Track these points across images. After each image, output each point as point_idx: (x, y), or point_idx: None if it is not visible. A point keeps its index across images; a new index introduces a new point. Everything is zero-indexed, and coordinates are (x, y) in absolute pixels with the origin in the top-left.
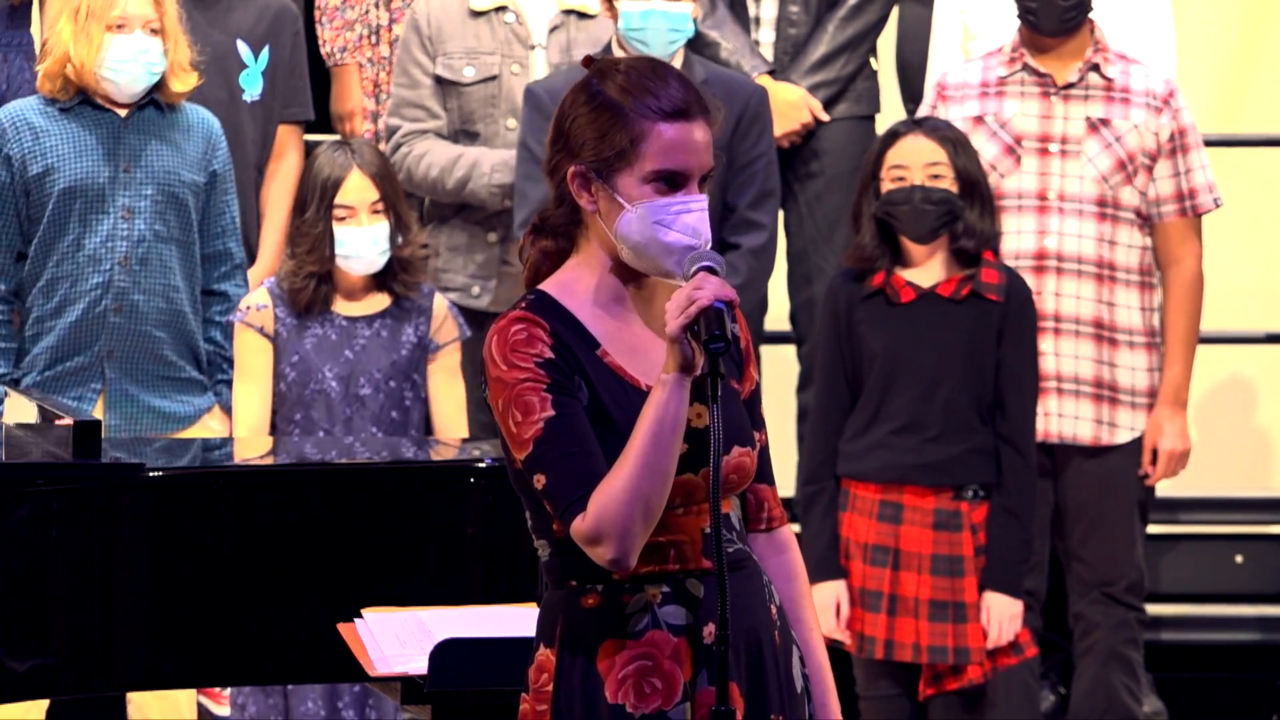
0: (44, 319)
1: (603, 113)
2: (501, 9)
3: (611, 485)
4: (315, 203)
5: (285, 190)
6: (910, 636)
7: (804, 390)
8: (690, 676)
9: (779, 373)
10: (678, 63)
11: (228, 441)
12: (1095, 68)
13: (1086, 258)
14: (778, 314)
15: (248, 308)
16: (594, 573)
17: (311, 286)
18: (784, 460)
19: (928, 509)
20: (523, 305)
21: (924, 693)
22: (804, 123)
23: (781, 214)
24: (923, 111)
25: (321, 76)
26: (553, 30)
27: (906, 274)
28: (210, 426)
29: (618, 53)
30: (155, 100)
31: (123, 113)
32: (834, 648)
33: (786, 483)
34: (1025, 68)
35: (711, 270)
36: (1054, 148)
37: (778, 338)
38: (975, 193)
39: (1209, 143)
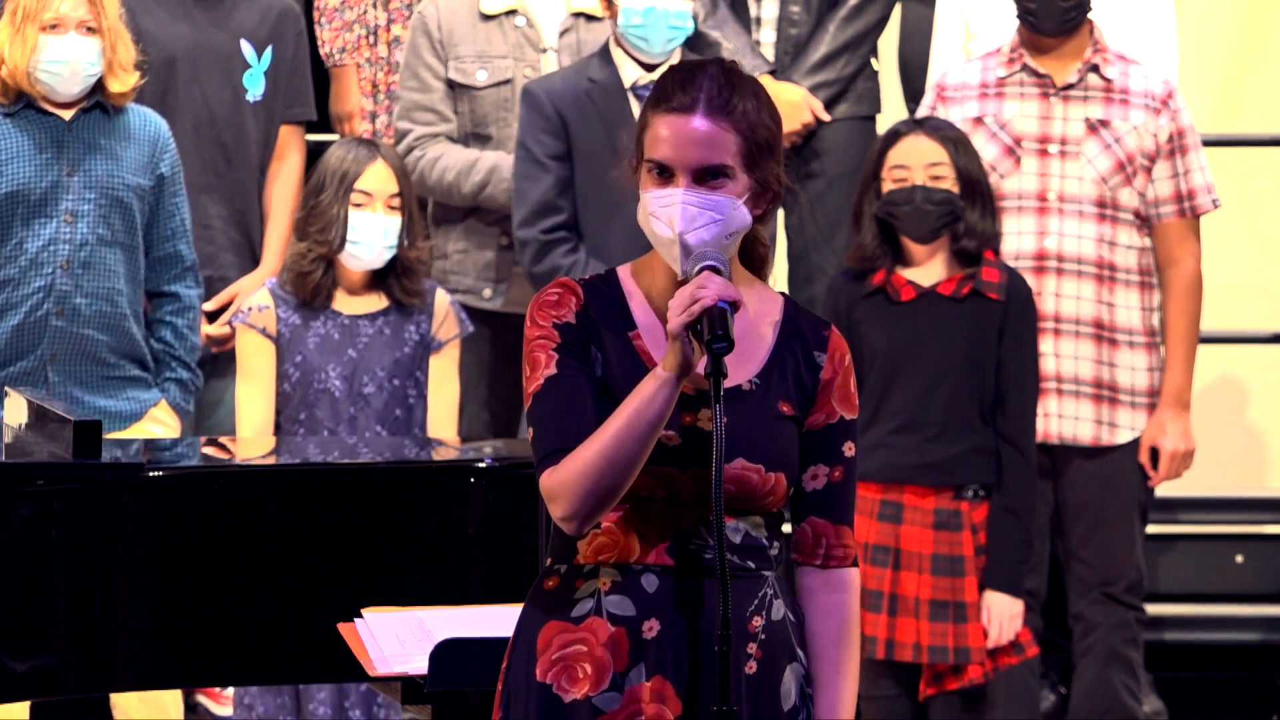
0: None
1: (643, 106)
2: (512, 12)
3: (579, 453)
4: (334, 186)
5: (288, 190)
6: (911, 636)
7: None
8: (624, 668)
9: None
10: (675, 61)
11: (177, 442)
12: (1094, 68)
13: (1086, 258)
14: None
15: (249, 309)
16: (562, 554)
17: (319, 272)
18: None
19: (928, 509)
20: (585, 277)
21: (924, 692)
22: (805, 123)
23: (782, 214)
24: (922, 113)
25: (321, 77)
26: (563, 33)
27: (907, 273)
28: (157, 419)
29: (615, 50)
30: (101, 103)
31: (67, 116)
32: None
33: None
34: (1024, 68)
35: (716, 270)
36: (1053, 149)
37: None
38: (976, 193)
39: (1209, 142)
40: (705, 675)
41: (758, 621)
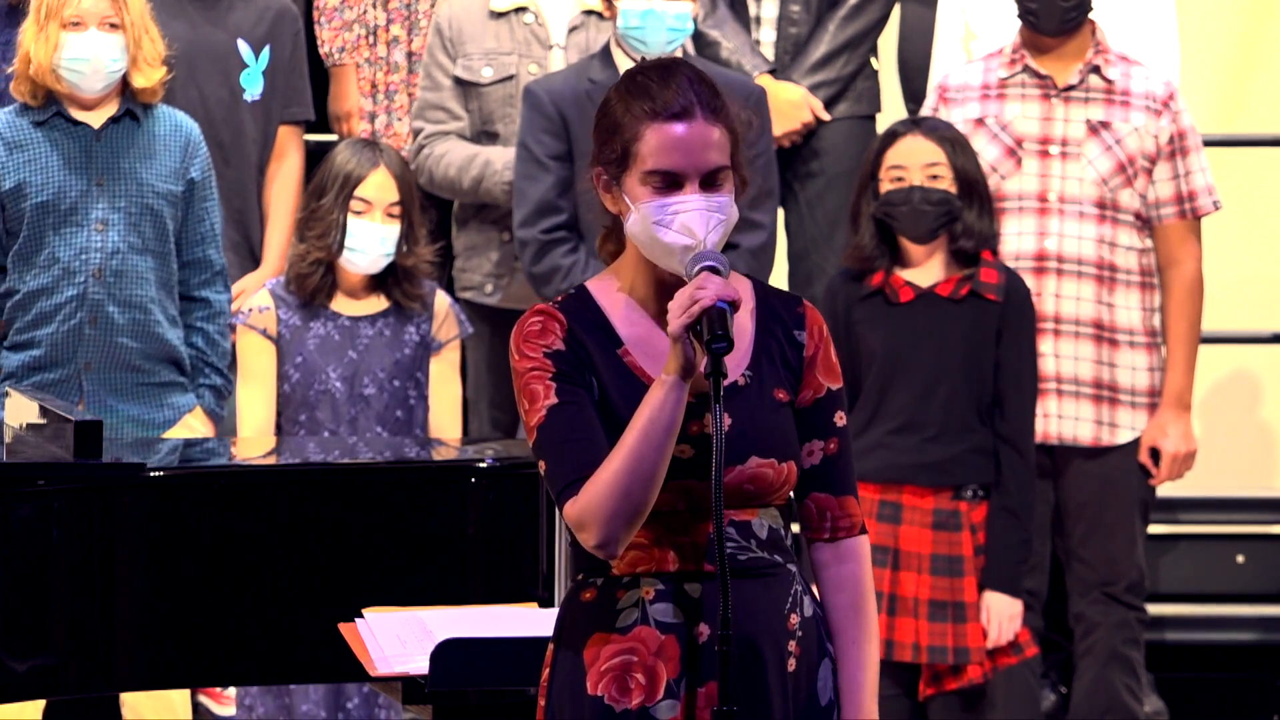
0: (22, 332)
1: (612, 115)
2: (521, 9)
3: (601, 476)
4: (334, 190)
5: (287, 191)
6: (910, 636)
7: None
8: (676, 675)
9: None
10: None
11: (204, 441)
12: (1096, 69)
13: (1086, 259)
14: None
15: (250, 310)
16: (596, 568)
17: (318, 274)
18: None
19: (927, 509)
20: (556, 300)
21: (924, 692)
22: (805, 122)
23: (782, 214)
24: (924, 114)
25: (320, 76)
26: (572, 30)
27: (905, 274)
28: (190, 426)
29: (615, 51)
30: (131, 110)
31: (96, 124)
32: None
33: None
34: (1026, 69)
35: (715, 270)
36: (1054, 150)
37: None
38: (974, 193)
39: (1210, 142)
40: (757, 677)
41: (795, 619)
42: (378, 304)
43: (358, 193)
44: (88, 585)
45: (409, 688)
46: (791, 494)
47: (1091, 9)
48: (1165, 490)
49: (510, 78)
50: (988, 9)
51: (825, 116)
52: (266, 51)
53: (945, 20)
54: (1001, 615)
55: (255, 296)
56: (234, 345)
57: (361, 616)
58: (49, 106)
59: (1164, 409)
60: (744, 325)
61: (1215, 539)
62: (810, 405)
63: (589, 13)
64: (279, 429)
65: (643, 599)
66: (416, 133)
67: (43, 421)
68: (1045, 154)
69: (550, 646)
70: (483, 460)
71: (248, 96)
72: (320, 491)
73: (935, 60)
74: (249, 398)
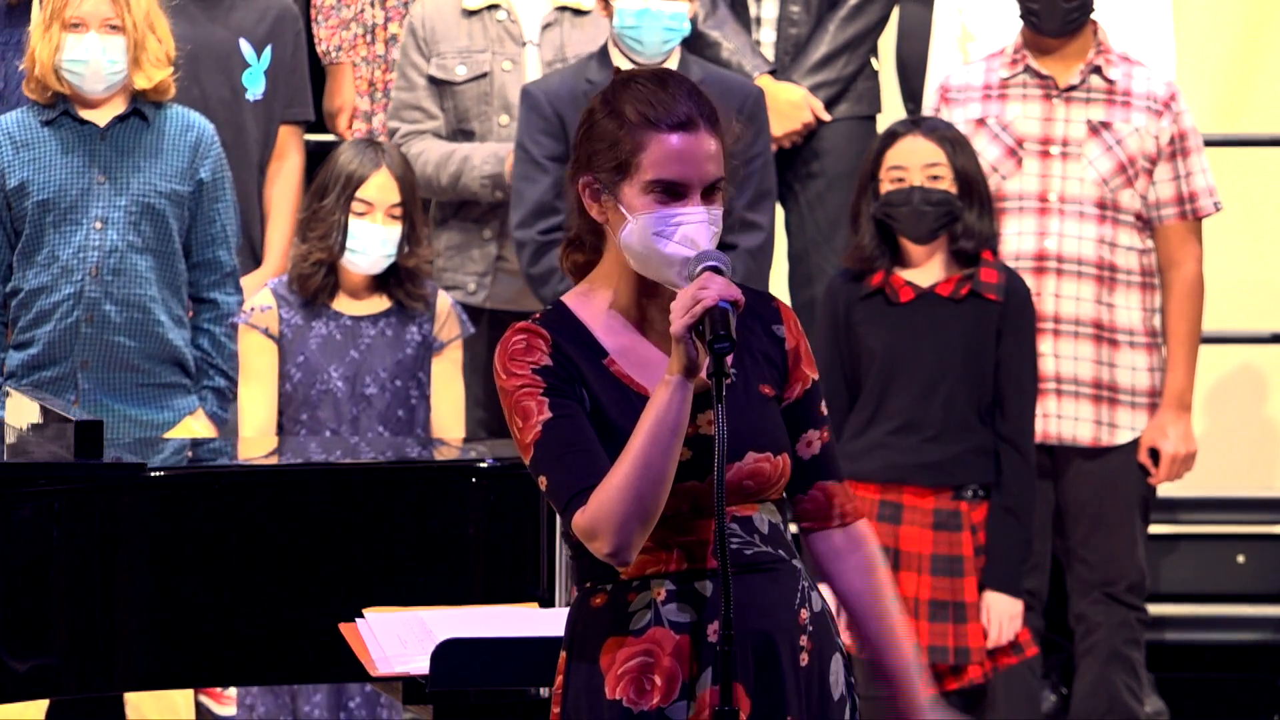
0: (23, 330)
1: (608, 124)
2: (494, 7)
3: (609, 482)
4: (336, 191)
5: (288, 190)
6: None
7: None
8: (692, 675)
9: None
10: (674, 63)
11: (210, 441)
12: (1097, 70)
13: (1086, 259)
14: None
15: (251, 309)
16: (603, 574)
17: (320, 274)
18: None
19: (927, 509)
20: (535, 316)
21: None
22: (805, 123)
23: (782, 214)
24: (926, 114)
25: (317, 75)
26: (546, 27)
27: (905, 274)
28: (191, 429)
29: (613, 52)
30: (139, 109)
31: (103, 123)
32: None
33: None
34: (1027, 69)
35: (717, 270)
36: (1055, 150)
37: None
38: (974, 193)
39: (1211, 142)
40: (773, 672)
41: (805, 614)
42: (380, 304)
43: (359, 194)
44: (88, 585)
45: (409, 688)
46: (784, 491)
47: (1093, 9)
48: (1165, 490)
49: (484, 75)
50: (984, 9)
51: (826, 117)
52: (268, 51)
53: (942, 20)
54: (1002, 615)
55: (257, 296)
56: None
57: (362, 616)
58: (57, 105)
59: (1164, 410)
60: None
61: (1215, 539)
62: (801, 397)
63: (562, 9)
64: (280, 428)
65: (654, 600)
66: (392, 133)
67: (43, 421)
68: (1046, 154)
69: (563, 655)
70: (483, 460)
71: (249, 96)
72: (320, 491)
73: (932, 60)
74: (250, 397)
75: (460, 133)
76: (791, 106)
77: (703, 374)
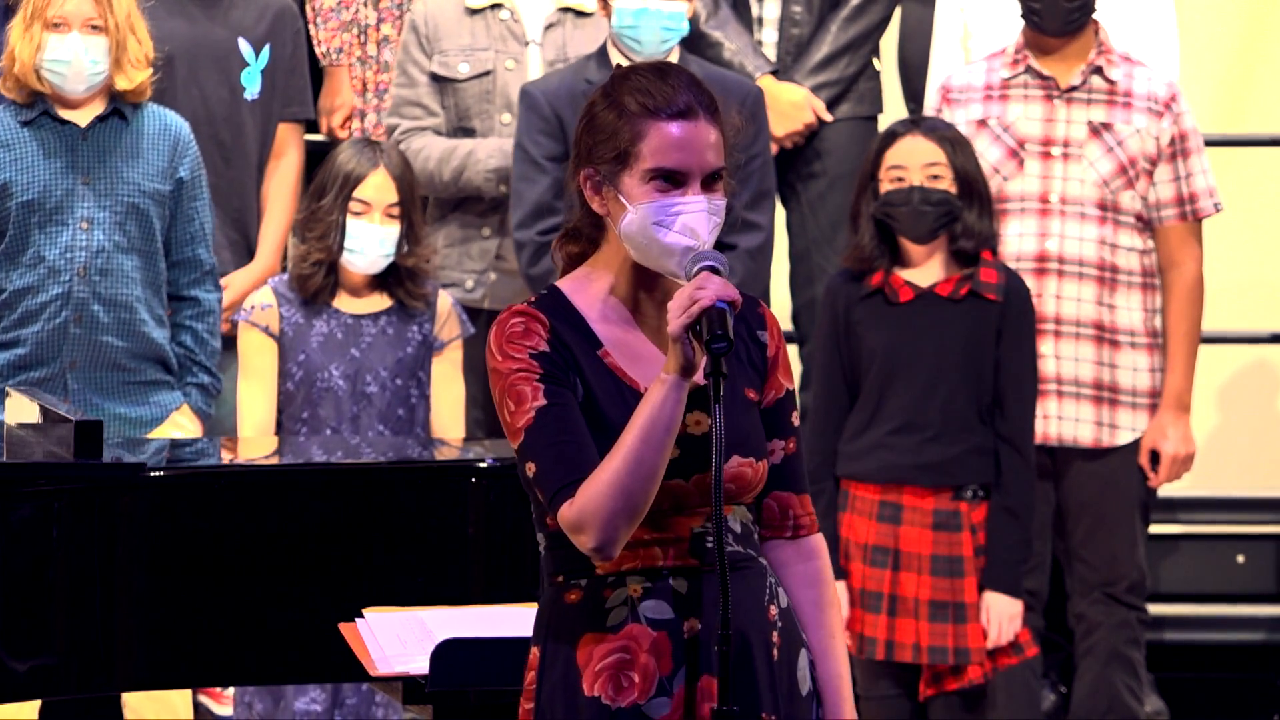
0: (8, 330)
1: (607, 115)
2: (497, 6)
3: (599, 476)
4: (334, 191)
5: (285, 188)
6: (910, 637)
7: (804, 391)
8: (669, 671)
9: None
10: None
11: (196, 442)
12: (1098, 70)
13: (1087, 260)
14: (780, 314)
15: (252, 307)
16: (579, 568)
17: (320, 274)
18: None
19: (927, 509)
20: (530, 300)
21: (924, 693)
22: (807, 123)
23: (784, 214)
24: (927, 114)
25: (316, 76)
26: (549, 27)
27: (905, 274)
28: (178, 424)
29: (612, 51)
30: (119, 109)
31: (83, 123)
32: None
33: None
34: (1029, 70)
35: (714, 270)
36: (1056, 151)
37: None
38: (974, 193)
39: (1212, 142)
40: (749, 668)
41: (774, 610)
42: (380, 302)
43: (357, 193)
44: (88, 585)
45: (409, 688)
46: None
47: (1095, 9)
48: (1166, 490)
49: (487, 74)
50: (986, 10)
51: (827, 117)
52: (267, 50)
53: (943, 20)
54: (1002, 615)
55: (257, 294)
56: (236, 342)
57: (362, 616)
58: (36, 105)
59: (1164, 410)
60: None
61: (1215, 539)
62: (773, 405)
63: (565, 10)
64: (281, 426)
65: (631, 597)
66: (392, 129)
67: (43, 421)
68: (1047, 155)
69: (535, 650)
70: (483, 460)
71: (248, 95)
72: (320, 491)
73: (933, 60)
74: (250, 395)
75: (461, 130)
76: (793, 107)
77: (699, 374)
